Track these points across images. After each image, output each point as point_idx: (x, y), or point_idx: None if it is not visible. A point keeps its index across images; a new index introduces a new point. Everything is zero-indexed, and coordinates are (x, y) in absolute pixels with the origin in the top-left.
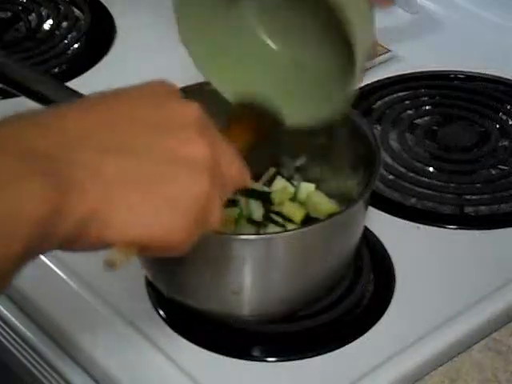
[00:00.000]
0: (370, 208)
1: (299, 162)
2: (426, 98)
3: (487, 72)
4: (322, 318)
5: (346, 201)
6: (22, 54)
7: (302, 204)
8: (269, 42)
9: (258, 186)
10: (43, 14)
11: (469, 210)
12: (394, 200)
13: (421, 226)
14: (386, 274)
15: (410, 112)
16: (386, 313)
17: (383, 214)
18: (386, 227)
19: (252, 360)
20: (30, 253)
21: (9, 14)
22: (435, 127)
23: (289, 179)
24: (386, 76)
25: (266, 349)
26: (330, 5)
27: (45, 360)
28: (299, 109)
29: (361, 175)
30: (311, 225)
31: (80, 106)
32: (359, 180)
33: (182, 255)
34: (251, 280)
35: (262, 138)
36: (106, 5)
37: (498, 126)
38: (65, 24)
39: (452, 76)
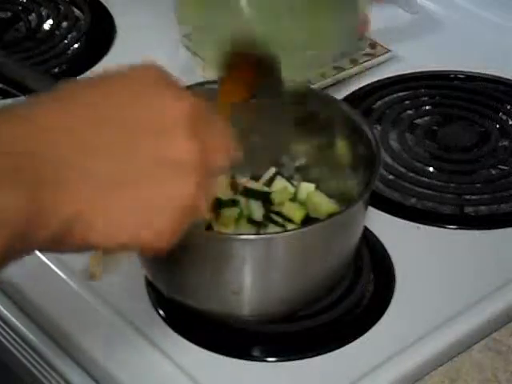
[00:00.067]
0: (370, 208)
1: (299, 162)
2: (426, 98)
3: (487, 72)
4: (321, 317)
5: (346, 201)
6: (22, 53)
7: (302, 204)
8: None
9: (258, 186)
10: (43, 14)
11: (469, 209)
12: (394, 200)
13: (421, 226)
14: (386, 274)
15: (410, 112)
16: (386, 313)
17: (383, 214)
18: (386, 227)
19: (252, 360)
20: (8, 255)
21: (9, 13)
22: (435, 127)
23: (289, 179)
24: (385, 76)
25: (266, 349)
26: None
27: (45, 360)
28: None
29: (361, 175)
30: (311, 225)
31: (63, 99)
32: (359, 180)
33: (181, 255)
34: (251, 280)
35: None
36: (106, 5)
37: (497, 126)
38: (65, 24)
39: (452, 76)
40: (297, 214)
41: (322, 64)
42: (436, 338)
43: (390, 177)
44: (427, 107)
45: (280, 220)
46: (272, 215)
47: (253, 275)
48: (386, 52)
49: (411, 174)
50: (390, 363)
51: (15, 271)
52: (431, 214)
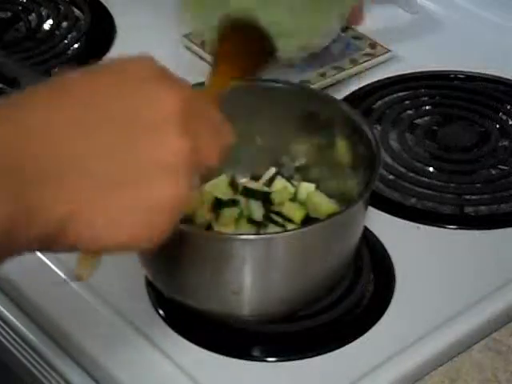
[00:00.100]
0: (370, 208)
1: (299, 162)
2: (426, 98)
3: (487, 72)
4: (321, 317)
5: (346, 201)
6: (21, 53)
7: (302, 204)
8: None
9: (258, 186)
10: (43, 13)
11: (469, 209)
12: (394, 200)
13: (421, 226)
14: (386, 274)
15: (410, 112)
16: (386, 313)
17: (383, 214)
18: (386, 227)
19: (252, 360)
20: None
21: (9, 13)
22: (435, 127)
23: (289, 179)
24: (386, 76)
25: (266, 349)
26: None
27: (45, 360)
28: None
29: (361, 175)
30: (311, 225)
31: (54, 95)
32: (359, 180)
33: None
34: (251, 280)
35: (251, 71)
36: (106, 5)
37: (497, 126)
38: (65, 24)
39: (452, 76)
40: (297, 213)
41: (314, 46)
42: (436, 338)
43: (390, 177)
44: (427, 107)
45: (280, 220)
46: (272, 215)
47: (253, 275)
48: (386, 52)
49: (411, 174)
50: (390, 363)
51: (15, 271)
52: (431, 214)
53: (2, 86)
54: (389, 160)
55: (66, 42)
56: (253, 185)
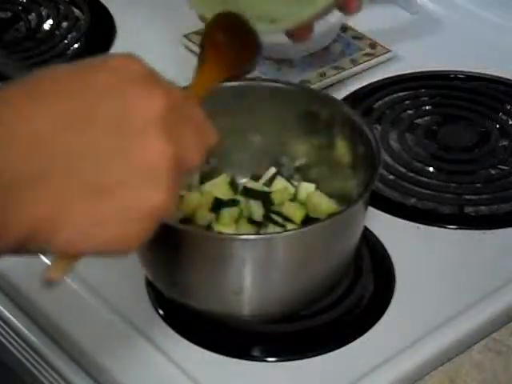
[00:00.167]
0: (370, 208)
1: (299, 162)
2: (426, 98)
3: (487, 72)
4: (321, 317)
5: (346, 201)
6: (22, 53)
7: (302, 204)
8: None
9: (258, 186)
10: (43, 13)
11: (469, 209)
12: (394, 200)
13: (421, 226)
14: (386, 274)
15: (410, 112)
16: (386, 313)
17: (383, 214)
18: (386, 227)
19: (252, 360)
20: None
21: (9, 13)
22: (435, 127)
23: (289, 179)
24: (385, 76)
25: (266, 349)
26: None
27: (45, 360)
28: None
29: (361, 175)
30: (311, 225)
31: (32, 95)
32: (359, 180)
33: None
34: (251, 280)
35: (238, 68)
36: (105, 5)
37: (497, 126)
38: (65, 24)
39: (452, 76)
40: (297, 213)
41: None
42: (436, 338)
43: (390, 177)
44: (427, 107)
45: (280, 220)
46: (272, 215)
47: (253, 275)
48: (386, 52)
49: (411, 174)
50: (390, 363)
51: (15, 271)
52: (431, 214)
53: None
54: (389, 160)
55: (65, 42)
56: (253, 185)
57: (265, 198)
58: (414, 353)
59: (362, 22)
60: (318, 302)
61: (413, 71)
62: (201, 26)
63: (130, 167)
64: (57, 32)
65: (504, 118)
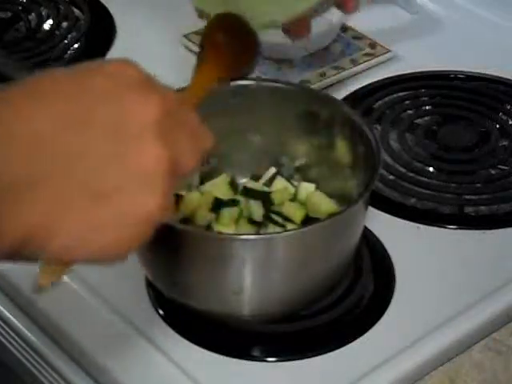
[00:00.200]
0: (370, 208)
1: (299, 162)
2: (426, 98)
3: (487, 72)
4: (321, 317)
5: (346, 201)
6: (21, 53)
7: (302, 204)
8: None
9: (258, 186)
10: (43, 13)
11: (469, 209)
12: (394, 200)
13: (421, 226)
14: (386, 274)
15: (410, 112)
16: (386, 313)
17: (383, 214)
18: (386, 227)
19: (252, 360)
20: None
21: (9, 13)
22: (435, 127)
23: (289, 179)
24: (386, 76)
25: (266, 349)
26: None
27: (45, 360)
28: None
29: (361, 175)
30: (311, 225)
31: (32, 95)
32: (359, 180)
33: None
34: (251, 280)
35: (237, 71)
36: (105, 5)
37: (497, 126)
38: (65, 24)
39: (452, 76)
40: (297, 213)
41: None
42: (436, 338)
43: (390, 177)
44: (427, 107)
45: (280, 220)
46: (272, 215)
47: (253, 275)
48: (386, 52)
49: (411, 174)
50: (390, 363)
51: (15, 271)
52: (431, 214)
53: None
54: (389, 160)
55: (65, 42)
56: (253, 185)
57: (265, 198)
58: (413, 353)
59: (362, 21)
60: (318, 302)
61: (413, 71)
62: (201, 26)
63: (127, 172)
64: (57, 32)
65: (504, 117)
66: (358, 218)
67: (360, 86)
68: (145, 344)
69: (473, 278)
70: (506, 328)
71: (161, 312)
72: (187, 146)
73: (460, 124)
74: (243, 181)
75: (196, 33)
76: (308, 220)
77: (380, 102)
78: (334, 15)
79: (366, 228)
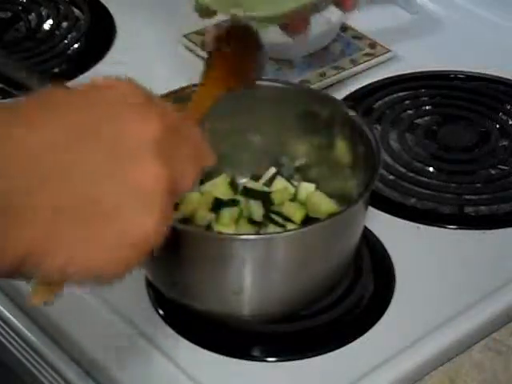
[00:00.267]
0: (370, 208)
1: (299, 162)
2: (426, 98)
3: (487, 72)
4: (321, 317)
5: (346, 201)
6: (22, 53)
7: (302, 204)
8: None
9: (258, 186)
10: (43, 13)
11: (469, 209)
12: (394, 200)
13: (421, 226)
14: (386, 274)
15: (410, 112)
16: (386, 313)
17: (383, 214)
18: (386, 227)
19: (252, 360)
20: None
21: (9, 13)
22: (435, 127)
23: (289, 179)
24: (386, 76)
25: (265, 349)
26: None
27: (45, 360)
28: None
29: (361, 175)
30: (311, 225)
31: (36, 112)
32: (359, 180)
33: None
34: (251, 280)
35: (242, 82)
36: (105, 5)
37: (497, 126)
38: (65, 24)
39: (452, 76)
40: (297, 213)
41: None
42: (436, 338)
43: (390, 177)
44: (427, 107)
45: (280, 220)
46: (272, 215)
47: (253, 275)
48: (386, 52)
49: (411, 174)
50: (390, 363)
51: None
52: (431, 214)
53: (2, 86)
54: (389, 160)
55: (66, 42)
56: (253, 185)
57: (265, 198)
58: (414, 353)
59: (362, 21)
60: (318, 301)
61: (413, 71)
62: (201, 26)
63: (126, 190)
64: (57, 32)
65: (504, 117)
66: (358, 218)
67: (360, 85)
68: (145, 344)
69: (473, 278)
70: (506, 328)
71: (161, 312)
72: (187, 164)
73: (460, 124)
74: (243, 181)
75: (196, 33)
76: (308, 220)
77: (380, 102)
78: (333, 14)
79: (366, 228)
